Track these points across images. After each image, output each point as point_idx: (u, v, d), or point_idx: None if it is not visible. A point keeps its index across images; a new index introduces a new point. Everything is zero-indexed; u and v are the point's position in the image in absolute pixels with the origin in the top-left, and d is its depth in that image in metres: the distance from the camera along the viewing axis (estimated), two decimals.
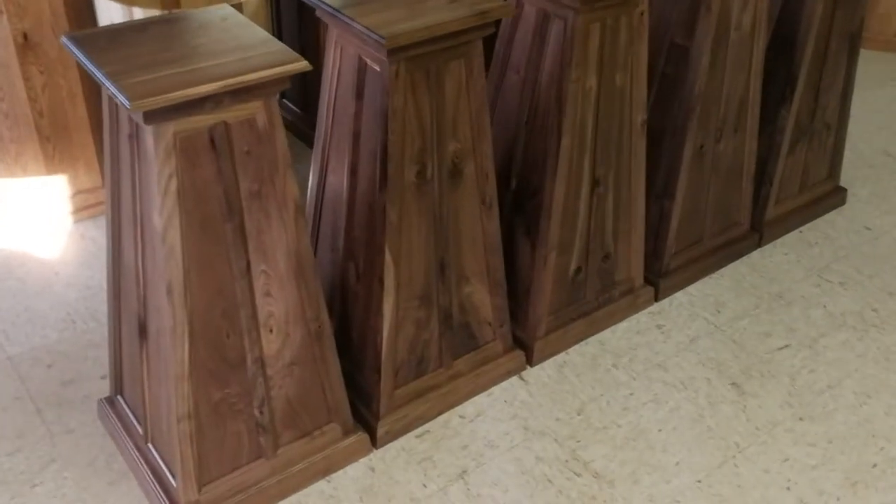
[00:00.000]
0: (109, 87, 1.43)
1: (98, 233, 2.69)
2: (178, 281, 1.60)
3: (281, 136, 1.61)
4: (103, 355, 2.26)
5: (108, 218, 1.77)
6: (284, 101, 3.22)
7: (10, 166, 2.61)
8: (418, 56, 1.73)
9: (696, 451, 2.08)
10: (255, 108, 1.56)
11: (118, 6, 2.09)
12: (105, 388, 2.17)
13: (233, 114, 1.54)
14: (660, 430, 2.13)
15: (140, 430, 1.93)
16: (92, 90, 2.62)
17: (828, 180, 2.89)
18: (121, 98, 1.40)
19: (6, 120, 2.54)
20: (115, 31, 1.59)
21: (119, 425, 1.99)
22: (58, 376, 2.22)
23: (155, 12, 2.06)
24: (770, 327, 2.45)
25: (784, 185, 2.73)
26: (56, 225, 2.71)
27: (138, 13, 2.07)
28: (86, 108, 2.60)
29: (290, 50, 1.56)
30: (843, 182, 2.95)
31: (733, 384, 2.27)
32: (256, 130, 1.58)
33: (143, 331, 1.77)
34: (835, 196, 2.91)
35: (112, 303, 1.88)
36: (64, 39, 1.56)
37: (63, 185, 2.68)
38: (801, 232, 2.82)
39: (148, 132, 1.48)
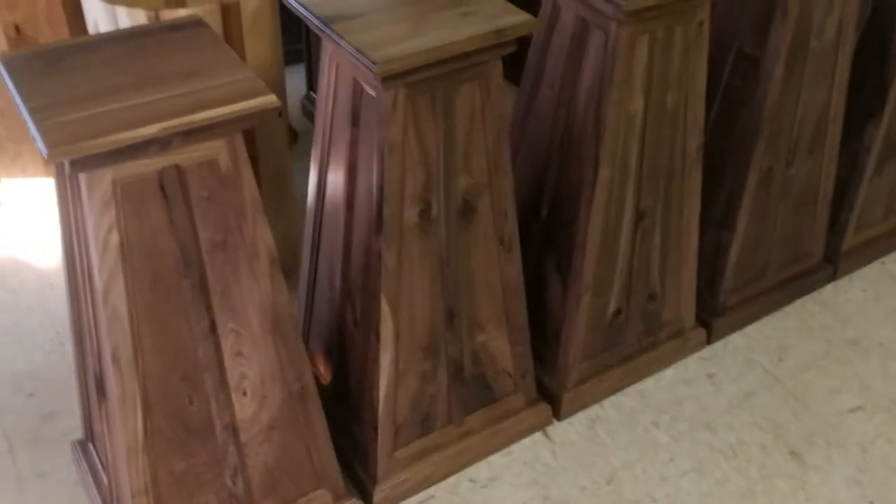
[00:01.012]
0: (31, 127, 1.19)
1: None
2: (126, 346, 1.37)
3: (249, 177, 1.36)
4: None
5: (63, 254, 1.54)
6: (312, 93, 2.97)
7: (7, 167, 2.43)
8: (422, 80, 1.44)
9: None
10: (215, 149, 1.30)
11: (101, 6, 1.85)
12: None
13: (187, 156, 1.29)
14: None
15: (107, 484, 1.72)
16: None
17: None
18: (38, 143, 1.16)
19: (2, 118, 2.35)
20: (60, 52, 1.34)
21: (89, 475, 1.79)
22: (37, 408, 2.03)
23: (140, 14, 1.81)
24: (840, 382, 2.12)
25: (866, 210, 2.36)
26: (55, 230, 2.51)
27: (122, 15, 1.82)
28: None
29: (258, 80, 1.30)
30: None
31: (792, 453, 1.95)
32: (218, 173, 1.33)
33: (100, 389, 1.55)
34: None
35: (76, 346, 1.67)
36: None
37: None
38: (883, 263, 2.46)
39: (81, 180, 1.24)
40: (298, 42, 2.94)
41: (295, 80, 3.06)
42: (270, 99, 1.26)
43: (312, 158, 1.73)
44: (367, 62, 1.36)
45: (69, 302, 1.62)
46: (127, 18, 1.85)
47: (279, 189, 2.20)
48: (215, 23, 1.86)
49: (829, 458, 1.94)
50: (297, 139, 2.84)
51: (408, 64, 1.37)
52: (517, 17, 1.47)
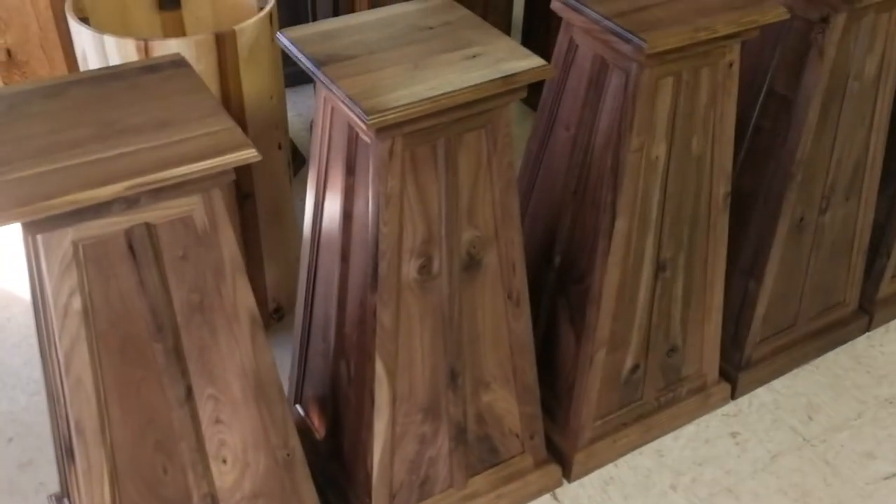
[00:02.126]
0: None
1: None
2: (91, 416, 1.25)
3: (227, 234, 1.23)
4: None
5: (33, 309, 1.43)
6: None
7: None
8: (421, 129, 1.32)
9: None
10: (189, 205, 1.18)
11: (90, 35, 1.73)
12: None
13: (158, 213, 1.17)
14: None
15: None
16: None
17: None
18: None
19: None
20: (20, 96, 1.23)
21: None
22: (16, 455, 1.92)
23: (129, 44, 1.70)
24: (875, 446, 1.97)
25: None
26: None
27: (111, 45, 1.71)
28: None
29: (237, 130, 1.17)
30: None
31: None
32: (194, 230, 1.21)
33: (69, 453, 1.43)
34: None
35: (49, 403, 1.55)
36: None
37: None
38: None
39: (38, 241, 1.12)
40: None
41: (304, 100, 2.95)
42: (250, 153, 1.14)
43: (307, 202, 1.61)
44: (360, 111, 1.23)
45: (41, 358, 1.50)
46: (115, 49, 1.74)
47: (278, 226, 2.08)
48: (210, 54, 1.75)
49: None
50: (306, 164, 2.71)
51: (403, 115, 1.24)
52: (528, 62, 1.34)
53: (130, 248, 1.17)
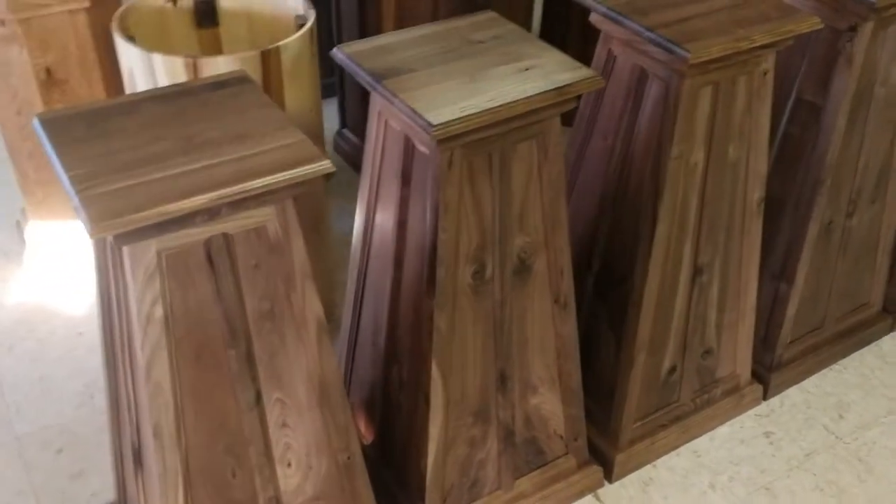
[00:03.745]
0: (73, 198, 1.12)
1: None
2: (169, 421, 1.29)
3: (298, 244, 1.28)
4: None
5: (99, 325, 1.47)
6: (344, 130, 2.90)
7: (36, 209, 2.37)
8: (478, 140, 1.37)
9: None
10: (264, 216, 1.23)
11: (137, 53, 1.78)
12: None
13: (235, 223, 1.21)
14: None
15: None
16: None
17: None
18: (82, 216, 1.09)
19: (31, 160, 2.29)
20: (98, 113, 1.27)
21: None
22: (67, 466, 1.96)
23: (178, 62, 1.75)
24: None
25: None
26: (85, 275, 2.45)
27: (158, 63, 1.76)
28: None
29: (310, 143, 1.22)
30: None
31: None
32: (267, 241, 1.25)
33: (138, 459, 1.47)
34: None
35: (110, 411, 1.59)
36: (35, 123, 1.26)
37: None
38: None
39: (124, 252, 1.16)
40: (330, 76, 2.88)
41: (327, 114, 3.00)
42: (325, 165, 1.19)
43: (358, 211, 1.66)
44: (424, 124, 1.28)
45: (105, 367, 1.54)
46: (163, 67, 1.79)
47: (316, 234, 2.13)
48: (255, 70, 1.80)
49: None
50: (332, 177, 2.76)
51: (466, 126, 1.29)
52: (579, 73, 1.39)
53: (209, 257, 1.22)
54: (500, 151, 1.42)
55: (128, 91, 1.94)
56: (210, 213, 1.17)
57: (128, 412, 1.44)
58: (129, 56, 1.83)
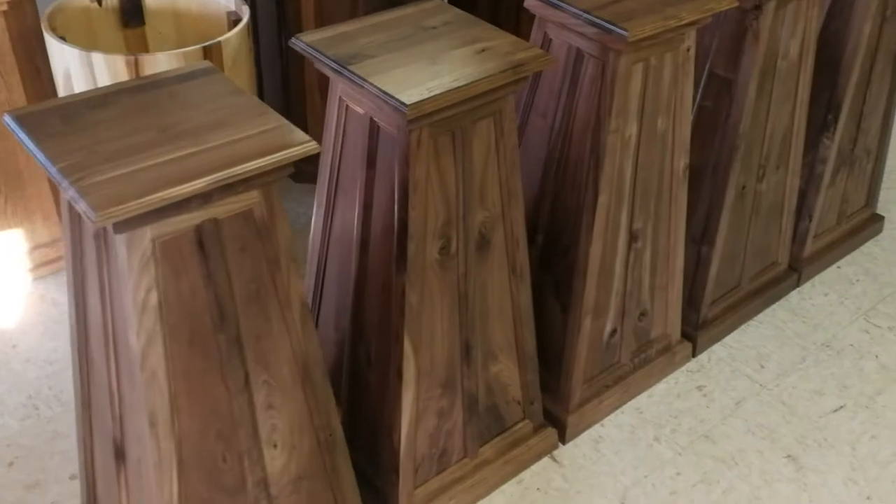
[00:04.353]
0: (67, 188, 1.13)
1: (59, 293, 2.37)
2: (164, 409, 1.31)
3: (283, 226, 1.32)
4: (72, 449, 1.96)
5: (71, 323, 1.47)
6: None
7: None
8: (443, 120, 1.44)
9: None
10: (251, 199, 1.27)
11: (75, 53, 1.77)
12: (74, 490, 1.88)
13: (224, 208, 1.25)
14: None
15: None
16: None
17: (865, 208, 2.65)
18: (82, 206, 1.10)
19: None
20: (70, 108, 1.28)
21: None
22: (21, 478, 1.92)
23: (118, 59, 1.74)
24: (821, 384, 2.21)
25: (823, 217, 2.48)
26: (13, 286, 2.39)
27: (99, 62, 1.75)
28: None
29: (292, 126, 1.27)
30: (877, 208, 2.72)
31: (788, 457, 2.02)
32: (254, 224, 1.29)
33: (120, 454, 1.48)
34: (872, 225, 2.67)
35: (81, 411, 1.58)
36: (7, 119, 1.25)
37: (19, 240, 2.35)
38: (839, 268, 2.58)
39: (119, 240, 1.18)
40: None
41: None
42: (312, 146, 1.23)
43: (317, 202, 1.70)
44: (397, 104, 1.35)
45: (74, 369, 1.53)
46: (104, 66, 1.78)
47: None
48: None
49: (823, 458, 2.02)
50: None
51: (436, 105, 1.36)
52: (532, 52, 1.49)
53: (199, 243, 1.25)
54: (462, 130, 1.49)
55: (62, 93, 1.92)
56: (203, 198, 1.20)
57: (110, 407, 1.44)
58: (65, 57, 1.81)
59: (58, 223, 2.39)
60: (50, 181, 2.32)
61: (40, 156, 1.18)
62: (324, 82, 2.57)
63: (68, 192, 1.13)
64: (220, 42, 1.83)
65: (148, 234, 1.19)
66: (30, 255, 2.39)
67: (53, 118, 1.26)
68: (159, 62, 1.77)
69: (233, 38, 1.86)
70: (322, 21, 2.48)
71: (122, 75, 1.77)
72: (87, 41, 2.03)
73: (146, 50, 2.16)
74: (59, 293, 2.38)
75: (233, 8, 2.02)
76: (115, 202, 1.10)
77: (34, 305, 2.34)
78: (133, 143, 1.21)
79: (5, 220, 2.31)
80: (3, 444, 1.99)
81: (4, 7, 2.06)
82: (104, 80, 1.78)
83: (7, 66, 2.14)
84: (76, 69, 1.81)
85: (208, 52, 1.83)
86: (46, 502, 1.87)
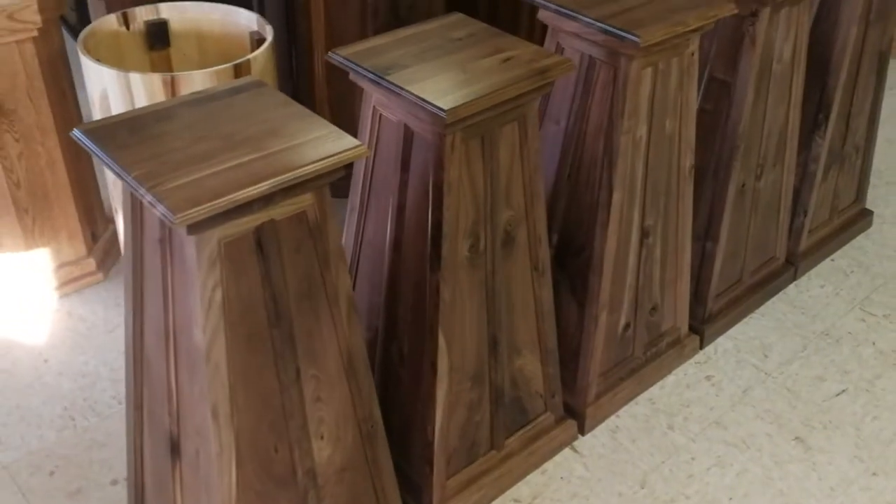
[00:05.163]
0: (144, 194, 1.22)
1: (87, 309, 2.44)
2: (225, 400, 1.39)
3: (333, 227, 1.41)
4: (110, 456, 2.03)
5: (127, 325, 1.55)
6: None
7: None
8: (474, 124, 1.54)
9: None
10: (305, 202, 1.36)
11: (112, 74, 1.85)
12: (116, 496, 1.95)
13: (282, 210, 1.34)
14: (731, 499, 1.98)
15: None
16: (74, 155, 2.37)
17: (855, 203, 2.78)
18: (160, 209, 1.19)
19: None
20: (136, 121, 1.37)
21: None
22: (62, 486, 1.98)
23: (155, 78, 1.83)
24: (822, 370, 2.32)
25: (816, 213, 2.60)
26: (40, 304, 2.45)
27: (136, 81, 1.84)
28: (67, 174, 2.35)
29: (342, 132, 1.36)
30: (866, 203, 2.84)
31: (797, 439, 2.13)
32: (307, 225, 1.38)
33: (175, 449, 1.55)
34: (862, 219, 2.80)
35: (132, 413, 1.66)
36: (76, 133, 1.34)
37: (45, 259, 2.43)
38: (833, 260, 2.70)
39: (189, 241, 1.27)
40: None
41: None
42: (362, 150, 1.33)
43: (349, 207, 1.79)
44: (435, 109, 1.44)
45: (128, 373, 1.61)
46: (141, 85, 1.87)
47: None
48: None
49: (829, 438, 2.12)
50: None
51: (471, 109, 1.46)
52: (553, 60, 1.59)
53: (259, 243, 1.34)
54: (490, 134, 1.59)
55: (97, 114, 2.00)
56: (265, 200, 1.29)
57: (167, 404, 1.52)
58: (103, 78, 1.90)
59: (83, 242, 2.47)
60: (76, 201, 2.40)
61: (115, 166, 1.27)
62: (333, 94, 2.67)
63: (146, 198, 1.21)
64: (248, 60, 1.93)
65: (216, 235, 1.28)
66: (56, 273, 2.46)
67: (121, 131, 1.35)
68: (194, 81, 1.86)
69: (260, 56, 1.96)
70: (332, 40, 2.59)
71: (159, 95, 1.85)
72: (115, 63, 2.12)
73: (170, 70, 2.25)
74: (84, 310, 2.45)
75: (255, 28, 2.12)
76: (191, 205, 1.19)
77: (62, 321, 2.41)
78: (199, 152, 1.30)
79: (33, 240, 2.38)
80: (42, 455, 2.05)
81: (35, 33, 2.14)
82: (141, 100, 1.87)
83: (36, 90, 2.22)
84: (113, 89, 1.90)
85: (238, 70, 1.92)
86: None
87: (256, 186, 1.24)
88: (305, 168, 1.29)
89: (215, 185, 1.23)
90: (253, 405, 1.45)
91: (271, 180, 1.25)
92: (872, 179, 2.96)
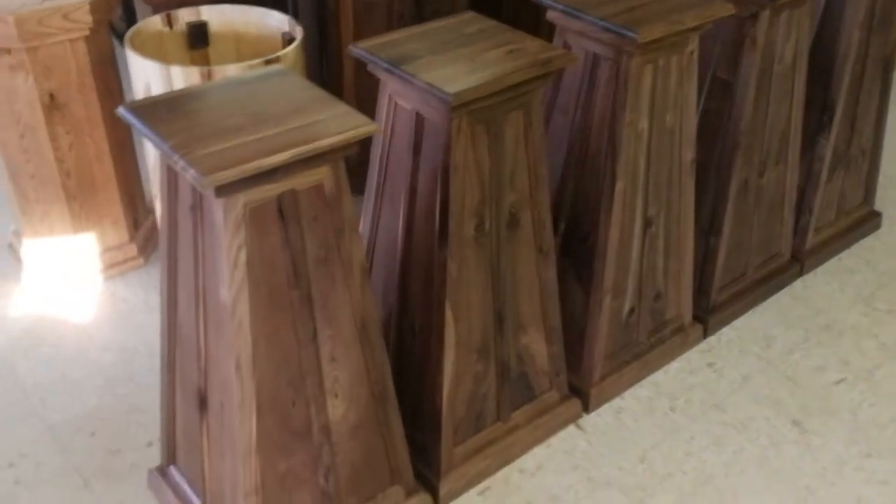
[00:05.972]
0: (178, 160, 1.38)
1: (128, 291, 2.62)
2: (247, 354, 1.54)
3: (348, 200, 1.56)
4: (147, 420, 2.19)
5: (162, 290, 1.71)
6: None
7: (35, 227, 2.55)
8: (479, 109, 1.68)
9: (766, 497, 2.03)
10: (322, 174, 1.51)
11: (156, 67, 2.03)
12: (151, 455, 2.10)
13: (301, 180, 1.49)
14: (726, 476, 2.08)
15: (198, 502, 1.86)
16: (119, 147, 2.56)
17: (863, 205, 2.86)
18: (191, 172, 1.35)
19: (32, 181, 2.48)
20: (174, 101, 1.53)
21: (173, 497, 1.92)
22: (102, 445, 2.15)
23: (193, 71, 2.01)
24: (823, 361, 2.41)
25: (822, 212, 2.70)
26: (86, 285, 2.64)
27: (176, 73, 2.01)
28: (112, 165, 2.54)
29: (357, 112, 1.51)
30: (876, 205, 2.92)
31: (794, 422, 2.22)
32: (323, 196, 1.53)
33: (203, 403, 1.71)
34: (871, 221, 2.88)
35: (166, 374, 1.81)
36: (121, 111, 1.51)
37: (91, 243, 2.61)
38: (840, 259, 2.79)
39: (217, 204, 1.42)
40: None
41: None
42: (374, 127, 1.48)
43: (367, 194, 1.94)
44: (442, 94, 1.59)
45: (162, 336, 1.77)
46: (181, 77, 2.04)
47: None
48: None
49: (826, 423, 2.22)
50: None
51: (476, 94, 1.61)
52: (556, 52, 1.73)
53: (280, 211, 1.49)
54: (495, 120, 1.73)
55: None
56: (286, 170, 1.44)
57: (196, 361, 1.67)
58: (147, 71, 2.08)
59: (126, 228, 2.65)
60: (120, 191, 2.59)
61: (153, 136, 1.43)
62: (361, 95, 2.84)
63: (178, 164, 1.37)
64: (278, 56, 2.09)
65: (241, 199, 1.43)
66: (101, 257, 2.64)
67: (160, 108, 1.51)
68: (229, 72, 2.03)
69: (290, 54, 2.12)
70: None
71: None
72: (158, 59, 2.30)
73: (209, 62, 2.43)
74: (126, 291, 2.62)
75: (287, 29, 2.29)
76: (220, 169, 1.35)
77: (106, 303, 2.59)
78: (228, 126, 1.46)
79: (80, 225, 2.57)
80: (84, 418, 2.22)
81: (86, 32, 2.33)
82: None
83: (86, 86, 2.41)
84: (156, 81, 2.07)
85: (269, 65, 2.08)
86: (126, 464, 2.09)
87: (279, 155, 1.39)
88: (323, 142, 1.44)
89: (242, 154, 1.39)
90: (273, 361, 1.59)
91: (292, 150, 1.40)
92: (882, 182, 3.05)
